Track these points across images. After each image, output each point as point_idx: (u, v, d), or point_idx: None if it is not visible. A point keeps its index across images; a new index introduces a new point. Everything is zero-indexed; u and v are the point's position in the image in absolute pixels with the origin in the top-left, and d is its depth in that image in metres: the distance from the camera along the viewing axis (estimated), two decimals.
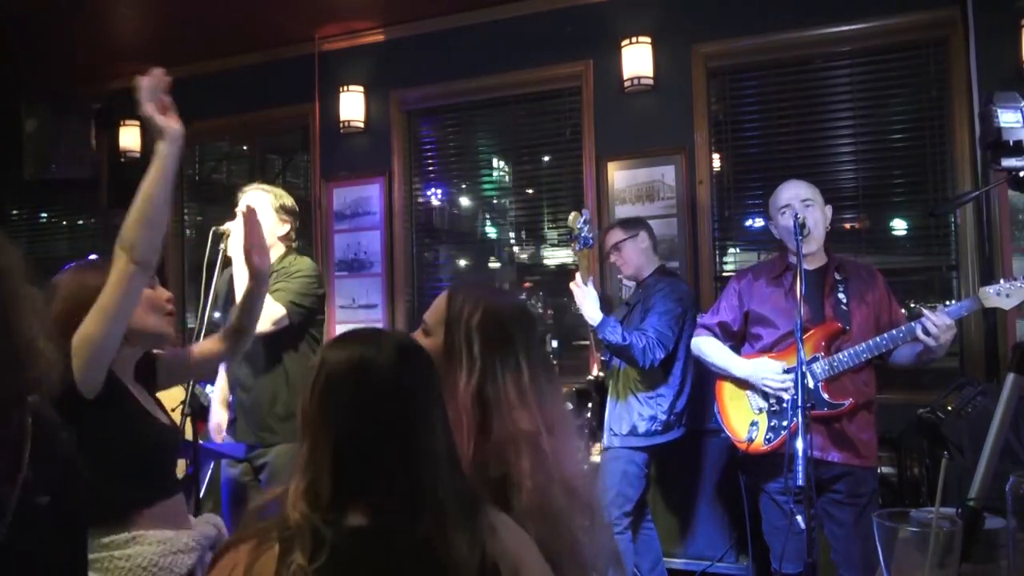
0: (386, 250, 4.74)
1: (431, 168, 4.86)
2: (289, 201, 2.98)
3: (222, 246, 2.80)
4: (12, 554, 1.04)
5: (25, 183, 5.37)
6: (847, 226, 3.89)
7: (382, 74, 4.77)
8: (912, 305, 3.87)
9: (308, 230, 4.80)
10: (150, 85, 1.70)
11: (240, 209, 2.88)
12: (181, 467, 2.33)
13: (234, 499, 2.87)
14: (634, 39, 4.07)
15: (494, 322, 1.37)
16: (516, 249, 4.77)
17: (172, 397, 2.21)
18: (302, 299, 2.79)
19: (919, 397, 3.20)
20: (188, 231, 5.47)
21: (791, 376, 2.48)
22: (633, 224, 3.39)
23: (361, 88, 4.77)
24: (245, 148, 5.59)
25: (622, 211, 4.04)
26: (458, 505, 1.04)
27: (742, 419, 2.69)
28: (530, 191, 4.71)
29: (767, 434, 2.61)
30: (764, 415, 2.64)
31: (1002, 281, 2.44)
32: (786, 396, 2.55)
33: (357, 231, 4.83)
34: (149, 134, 1.73)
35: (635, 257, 3.31)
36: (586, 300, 3.05)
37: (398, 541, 1.00)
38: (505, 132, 4.70)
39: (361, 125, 4.78)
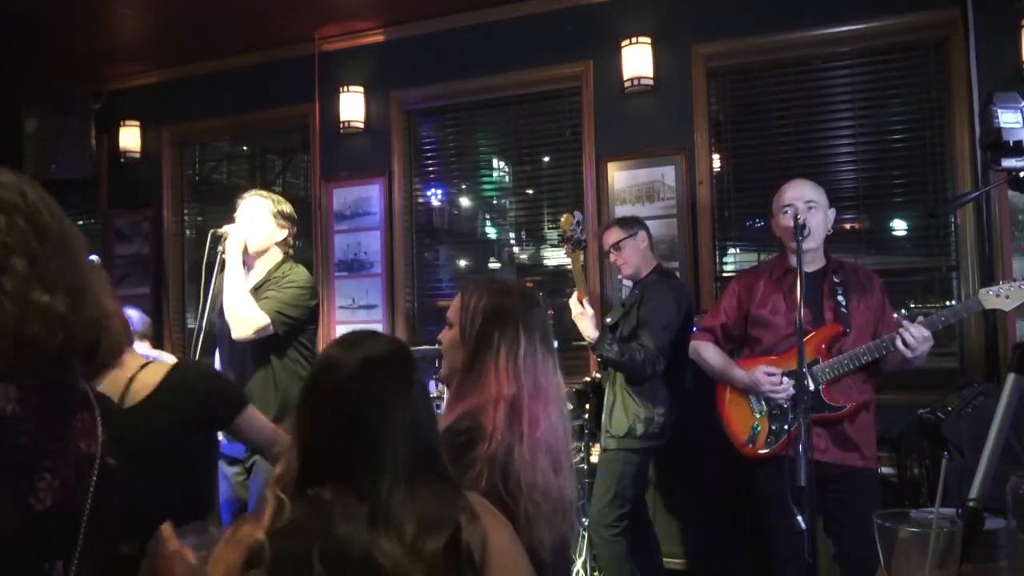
0: (386, 250, 4.74)
1: (431, 168, 4.86)
2: (287, 207, 3.00)
3: (220, 248, 2.84)
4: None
5: None
6: (847, 226, 3.89)
7: (382, 74, 4.77)
8: (912, 306, 3.88)
9: (308, 230, 4.81)
10: None
11: (240, 215, 2.93)
12: None
13: (229, 497, 2.88)
14: (634, 39, 4.07)
15: (496, 303, 1.61)
16: (516, 249, 4.77)
17: None
18: (290, 310, 2.80)
19: (919, 397, 3.20)
20: (188, 231, 5.47)
21: (791, 382, 2.48)
22: (631, 223, 3.40)
23: (361, 88, 4.78)
24: (245, 148, 5.60)
25: (622, 211, 4.04)
26: (418, 504, 1.11)
27: (744, 422, 2.68)
28: (530, 191, 4.71)
29: (768, 437, 2.61)
30: (765, 418, 2.63)
31: (1001, 283, 2.44)
32: (784, 403, 2.56)
33: (357, 231, 4.83)
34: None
35: (635, 256, 3.32)
36: (583, 319, 3.13)
37: (350, 512, 1.10)
38: (505, 132, 4.70)
39: (361, 125, 4.78)
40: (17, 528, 0.97)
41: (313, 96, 4.88)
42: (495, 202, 4.87)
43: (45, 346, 1.02)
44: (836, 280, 2.66)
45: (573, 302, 3.16)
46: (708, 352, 2.79)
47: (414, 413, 1.18)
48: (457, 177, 4.89)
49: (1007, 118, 1.60)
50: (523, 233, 4.75)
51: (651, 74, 4.08)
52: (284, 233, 2.98)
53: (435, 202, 4.91)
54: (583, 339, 3.23)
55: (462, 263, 4.96)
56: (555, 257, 4.59)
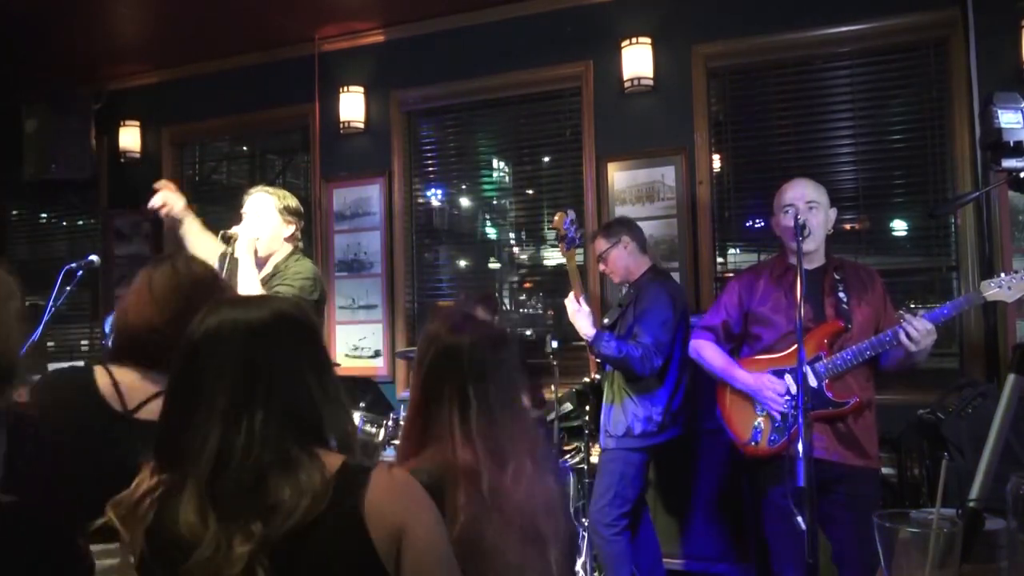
0: (386, 250, 4.74)
1: (431, 168, 4.86)
2: (293, 202, 3.04)
3: (229, 249, 2.85)
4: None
5: (25, 183, 5.36)
6: (847, 226, 3.89)
7: (382, 74, 4.77)
8: (912, 306, 3.88)
9: (308, 230, 4.80)
10: None
11: (246, 211, 2.95)
12: None
13: None
14: (634, 39, 4.07)
15: (445, 357, 1.45)
16: (516, 250, 4.77)
17: None
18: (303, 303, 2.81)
19: (919, 397, 3.20)
20: None
21: (792, 397, 2.49)
22: (615, 230, 3.38)
23: (361, 88, 4.77)
24: (245, 148, 5.59)
25: (622, 212, 4.04)
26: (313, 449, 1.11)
27: (745, 421, 2.67)
28: (530, 192, 4.71)
29: (771, 436, 2.60)
30: (767, 417, 2.62)
31: (1003, 274, 2.44)
32: (779, 416, 2.56)
33: (357, 231, 4.83)
34: None
35: (621, 262, 3.33)
36: (579, 316, 3.14)
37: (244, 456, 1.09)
38: (505, 132, 4.70)
39: (361, 125, 4.78)
40: None
41: (313, 96, 4.88)
42: (495, 202, 4.87)
43: None
44: (837, 277, 2.66)
45: (569, 300, 3.18)
46: (709, 352, 2.78)
47: (314, 365, 1.20)
48: (457, 177, 4.89)
49: (1007, 118, 1.60)
50: (523, 233, 4.75)
51: (651, 74, 4.08)
52: (292, 228, 3.01)
53: (435, 202, 4.91)
54: (582, 339, 3.23)
55: (462, 263, 4.96)
56: (555, 257, 4.59)
